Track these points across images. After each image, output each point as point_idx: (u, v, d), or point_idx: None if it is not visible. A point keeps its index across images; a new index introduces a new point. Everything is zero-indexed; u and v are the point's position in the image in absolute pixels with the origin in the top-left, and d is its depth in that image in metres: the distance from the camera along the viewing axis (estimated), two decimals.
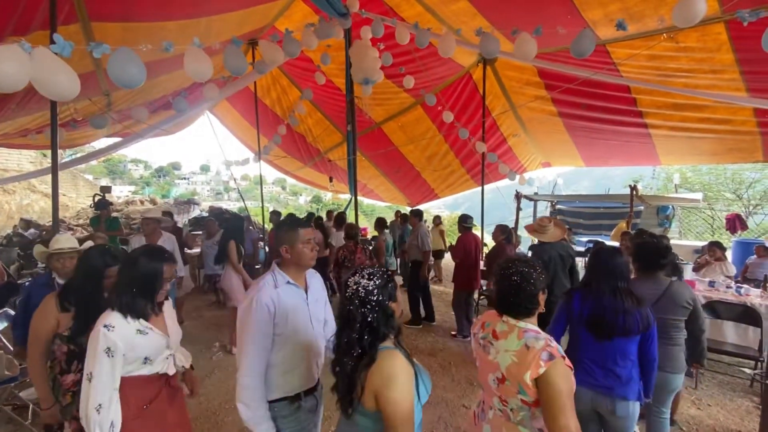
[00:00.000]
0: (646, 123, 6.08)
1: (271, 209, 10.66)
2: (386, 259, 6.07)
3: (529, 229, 4.38)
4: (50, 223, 8.73)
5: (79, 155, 8.76)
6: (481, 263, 5.65)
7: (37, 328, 1.91)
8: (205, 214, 11.74)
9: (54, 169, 3.84)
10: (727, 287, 4.48)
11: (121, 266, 1.75)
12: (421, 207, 12.02)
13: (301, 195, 53.98)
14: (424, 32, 4.38)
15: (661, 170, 15.65)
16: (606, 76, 5.18)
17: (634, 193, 6.62)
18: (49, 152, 12.08)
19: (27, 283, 2.51)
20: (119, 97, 6.08)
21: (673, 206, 9.13)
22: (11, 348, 3.31)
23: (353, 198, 7.15)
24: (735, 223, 8.65)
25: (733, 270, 5.13)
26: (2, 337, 3.35)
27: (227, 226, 4.97)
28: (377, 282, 1.35)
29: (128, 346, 1.57)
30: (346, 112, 6.89)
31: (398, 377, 1.25)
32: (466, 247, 5.14)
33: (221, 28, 4.98)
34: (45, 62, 2.14)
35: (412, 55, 5.88)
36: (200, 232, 8.19)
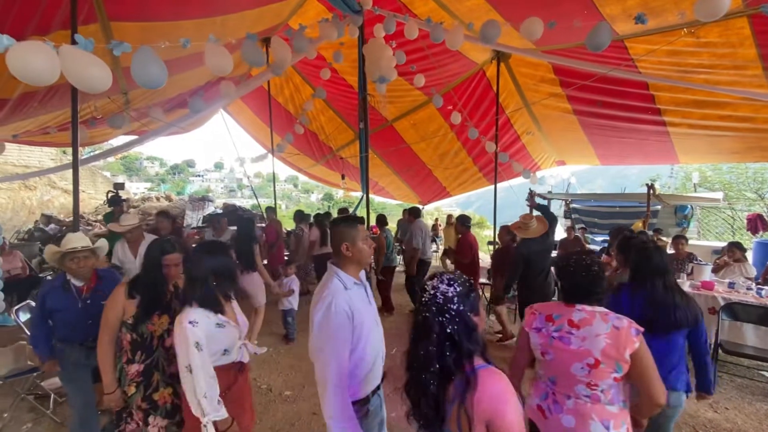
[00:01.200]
0: (665, 121, 5.94)
1: (278, 207, 10.69)
2: (388, 256, 6.06)
3: (513, 226, 4.62)
4: (70, 219, 8.97)
5: (97, 152, 8.96)
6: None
7: (107, 314, 1.96)
8: (220, 211, 11.90)
9: (75, 166, 3.94)
10: (748, 289, 4.36)
11: (191, 263, 1.78)
12: (432, 205, 12.02)
13: (312, 192, 54.28)
14: (438, 27, 4.35)
15: (679, 169, 15.27)
16: (623, 72, 5.08)
17: (652, 192, 6.47)
18: (68, 149, 12.41)
19: (43, 285, 2.44)
20: (137, 96, 6.20)
21: (691, 206, 8.91)
22: None
23: (365, 195, 7.17)
24: (756, 223, 8.40)
25: (753, 271, 4.99)
26: (26, 329, 3.47)
27: (241, 229, 4.87)
28: (458, 289, 1.20)
29: (210, 340, 1.66)
30: (358, 110, 6.90)
31: (510, 399, 1.11)
32: (471, 248, 5.23)
33: (236, 26, 5.03)
34: (74, 57, 2.19)
35: (426, 52, 5.86)
36: (205, 227, 8.22)
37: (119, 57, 4.58)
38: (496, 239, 5.73)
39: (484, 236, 12.77)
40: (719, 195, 9.02)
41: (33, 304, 3.83)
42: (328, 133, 9.49)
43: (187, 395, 1.61)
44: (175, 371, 1.94)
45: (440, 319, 1.17)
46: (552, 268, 4.30)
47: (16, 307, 3.62)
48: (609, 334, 1.53)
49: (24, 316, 3.57)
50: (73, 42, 2.24)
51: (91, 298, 2.34)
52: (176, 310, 1.96)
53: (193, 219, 11.96)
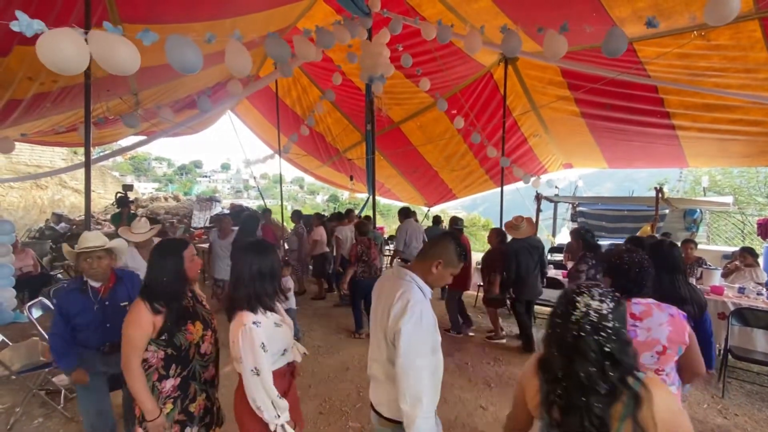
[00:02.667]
0: (674, 124, 5.89)
1: (284, 208, 10.71)
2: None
3: (507, 226, 5.05)
4: (81, 218, 9.08)
5: (106, 152, 9.08)
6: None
7: (134, 337, 1.75)
8: (226, 211, 11.98)
9: (87, 165, 4.01)
10: (758, 294, 4.31)
11: (243, 263, 1.70)
12: (438, 207, 12.01)
13: (318, 194, 54.47)
14: (446, 28, 4.37)
15: (688, 173, 15.14)
16: (633, 76, 5.06)
17: (660, 195, 6.42)
18: (79, 149, 12.59)
19: (57, 291, 2.32)
20: (146, 96, 6.29)
21: (701, 210, 8.81)
22: (46, 335, 3.47)
23: (371, 197, 7.18)
24: (767, 228, 8.29)
25: (764, 276, 4.93)
26: (38, 325, 3.52)
27: (243, 228, 4.73)
28: (610, 304, 1.13)
29: (270, 340, 1.61)
30: (365, 112, 6.93)
31: (678, 403, 1.16)
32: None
33: (246, 28, 5.07)
34: (103, 40, 2.22)
35: (433, 54, 5.87)
36: (212, 227, 8.12)
37: None
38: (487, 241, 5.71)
39: None
40: (729, 199, 8.91)
41: (45, 300, 3.89)
42: (335, 135, 9.53)
43: (254, 400, 1.55)
44: (209, 377, 1.94)
45: (596, 338, 1.10)
46: (539, 265, 4.77)
47: (29, 304, 3.68)
48: (669, 321, 1.67)
49: (36, 313, 3.63)
50: None
51: (110, 300, 2.26)
52: (203, 315, 1.93)
53: (200, 219, 12.06)
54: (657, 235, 6.10)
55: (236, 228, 5.73)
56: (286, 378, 1.75)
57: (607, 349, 1.09)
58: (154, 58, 4.76)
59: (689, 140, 6.23)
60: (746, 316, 3.87)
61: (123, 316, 2.23)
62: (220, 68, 6.50)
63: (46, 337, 3.49)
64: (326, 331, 5.16)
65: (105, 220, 11.20)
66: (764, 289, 4.46)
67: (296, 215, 7.28)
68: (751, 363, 3.85)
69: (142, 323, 1.75)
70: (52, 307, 3.91)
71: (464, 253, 1.67)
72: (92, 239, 2.22)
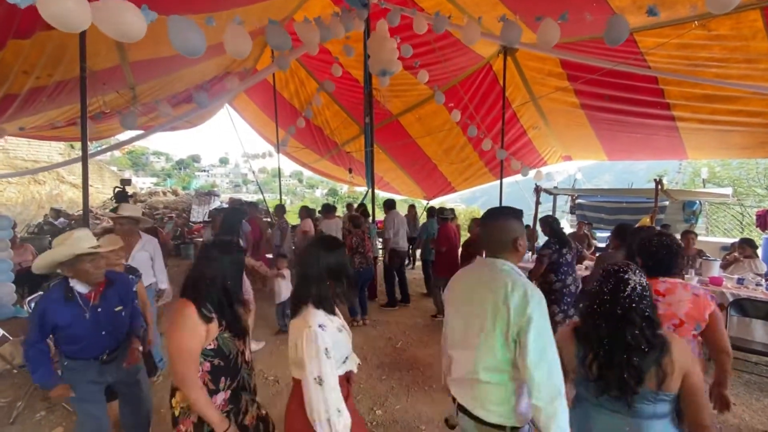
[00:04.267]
0: (674, 115, 5.87)
1: (284, 202, 10.65)
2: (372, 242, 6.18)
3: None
4: (79, 213, 9.06)
5: (104, 146, 9.04)
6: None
7: (190, 348, 1.54)
8: (225, 206, 11.97)
9: (84, 160, 3.99)
10: (757, 285, 4.33)
11: (308, 259, 1.54)
12: (437, 200, 11.99)
13: (317, 188, 54.40)
14: (443, 19, 4.33)
15: (687, 164, 15.13)
16: (633, 67, 5.02)
17: (659, 187, 6.41)
18: (76, 144, 12.53)
19: (39, 303, 1.98)
20: (143, 91, 6.24)
21: (700, 201, 8.82)
22: None
23: (370, 190, 7.16)
24: (766, 219, 8.30)
25: (763, 267, 4.94)
26: None
27: (224, 222, 4.36)
28: (643, 276, 1.43)
29: (334, 345, 1.45)
30: (363, 104, 6.89)
31: (691, 353, 1.42)
32: (448, 237, 5.41)
33: (242, 19, 5.04)
34: (107, 5, 2.15)
35: (431, 45, 5.83)
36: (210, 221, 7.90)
37: (126, 51, 4.63)
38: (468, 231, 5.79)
39: None
40: (728, 191, 8.91)
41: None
42: (333, 128, 9.50)
43: (314, 412, 1.38)
44: (254, 386, 1.81)
45: (641, 306, 1.37)
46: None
47: (29, 299, 3.69)
48: (690, 299, 1.82)
49: None
50: None
51: (102, 306, 2.04)
52: (244, 321, 1.76)
53: (199, 214, 12.05)
54: (657, 227, 6.10)
55: (207, 228, 5.54)
56: (344, 388, 1.54)
57: (647, 314, 1.37)
58: (152, 50, 4.72)
59: (689, 132, 6.21)
60: (745, 307, 3.89)
61: (119, 321, 2.12)
62: (216, 62, 6.45)
63: None
64: None
65: (103, 215, 11.18)
66: (763, 280, 4.48)
67: (279, 210, 7.23)
68: (750, 353, 3.88)
69: (196, 330, 1.54)
70: None
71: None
72: (86, 240, 1.98)
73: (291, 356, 1.49)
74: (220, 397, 1.64)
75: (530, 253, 5.81)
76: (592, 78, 5.60)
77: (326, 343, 1.40)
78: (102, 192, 13.97)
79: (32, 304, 3.60)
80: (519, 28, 3.89)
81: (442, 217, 5.78)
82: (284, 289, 4.71)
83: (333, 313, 1.54)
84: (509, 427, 1.41)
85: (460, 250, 5.60)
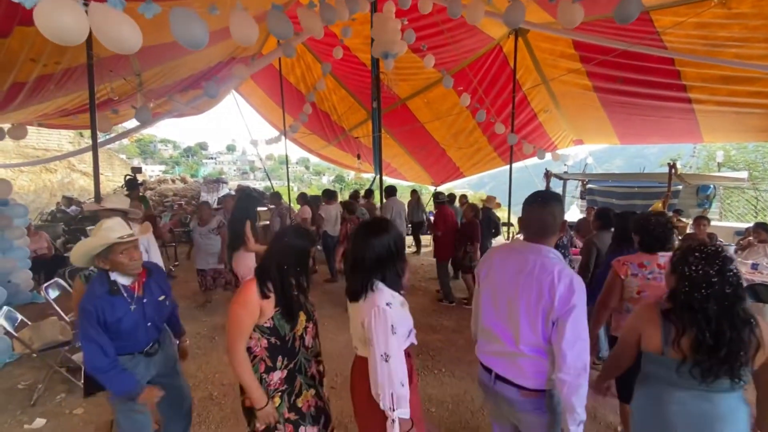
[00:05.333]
0: (690, 97, 5.70)
1: (290, 189, 10.62)
2: None
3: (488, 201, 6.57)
4: (90, 200, 9.19)
5: (112, 135, 9.07)
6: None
7: (242, 320, 1.61)
8: (233, 193, 12.03)
9: (94, 148, 4.02)
10: None
11: (374, 240, 1.56)
12: (445, 186, 11.91)
13: (324, 174, 54.37)
14: (456, 2, 4.20)
15: (702, 148, 14.78)
16: (648, 48, 4.86)
17: (673, 171, 6.28)
18: (85, 132, 12.62)
19: (85, 302, 1.80)
20: (149, 77, 6.22)
21: (714, 186, 8.64)
22: (64, 315, 3.57)
23: (378, 176, 7.13)
24: None
25: None
26: (55, 305, 3.62)
27: (238, 205, 4.49)
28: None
29: (399, 322, 1.50)
30: (371, 88, 6.79)
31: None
32: (445, 221, 5.48)
33: (247, 3, 4.95)
34: (105, 15, 2.16)
35: (440, 27, 5.69)
36: (219, 208, 7.89)
37: None
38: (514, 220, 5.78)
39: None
40: (744, 174, 8.71)
41: (61, 281, 3.97)
42: (340, 113, 9.41)
43: (378, 387, 1.45)
44: (315, 373, 1.83)
45: (741, 281, 1.44)
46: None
47: (45, 285, 3.77)
48: None
49: (53, 293, 3.72)
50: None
51: (147, 297, 1.96)
52: (306, 306, 1.81)
53: (208, 200, 12.13)
54: (669, 212, 6.01)
55: (218, 213, 5.44)
56: (408, 361, 1.61)
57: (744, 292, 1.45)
58: (156, 36, 4.67)
59: (705, 114, 6.04)
60: (759, 292, 3.85)
61: (164, 311, 2.08)
62: (221, 47, 6.38)
63: (64, 316, 3.59)
64: (333, 307, 5.21)
65: (88, 208, 11.30)
66: None
67: (276, 197, 7.29)
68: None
69: (249, 305, 1.62)
70: (68, 287, 4.01)
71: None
72: (119, 229, 1.85)
73: (357, 335, 1.57)
74: (277, 375, 1.69)
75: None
76: (605, 59, 5.45)
77: (393, 320, 1.46)
78: (112, 180, 14.10)
79: (49, 290, 3.69)
80: (523, 7, 3.76)
81: (438, 201, 5.89)
82: None
83: (397, 290, 1.59)
84: (548, 390, 1.54)
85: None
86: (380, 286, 1.54)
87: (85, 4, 2.10)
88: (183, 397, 2.18)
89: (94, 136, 4.07)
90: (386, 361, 1.44)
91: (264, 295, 1.63)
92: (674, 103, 5.93)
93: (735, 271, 1.44)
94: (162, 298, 2.05)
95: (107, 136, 8.73)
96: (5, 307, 3.34)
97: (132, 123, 8.57)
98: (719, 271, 1.42)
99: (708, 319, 1.41)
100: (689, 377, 1.44)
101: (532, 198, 1.65)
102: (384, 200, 6.57)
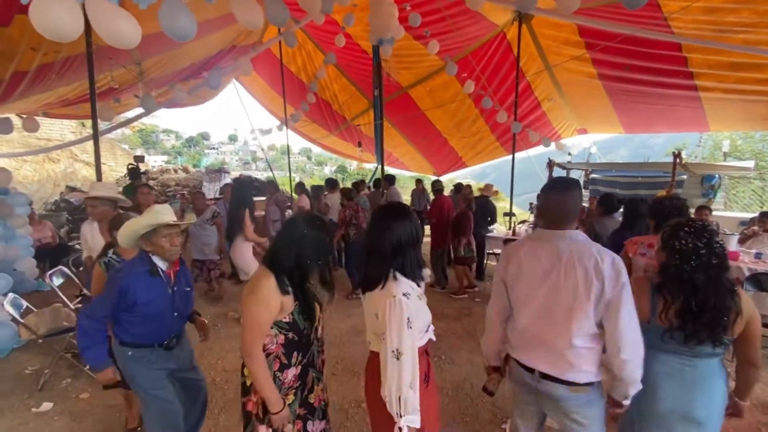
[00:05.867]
0: (697, 85, 5.61)
1: (292, 179, 10.64)
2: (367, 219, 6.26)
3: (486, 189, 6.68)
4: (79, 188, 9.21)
5: (113, 124, 9.06)
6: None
7: (261, 319, 1.51)
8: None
9: (95, 137, 4.02)
10: None
11: (392, 226, 1.47)
12: (447, 176, 11.86)
13: (326, 165, 54.21)
14: None
15: (708, 137, 14.58)
16: (655, 33, 4.77)
17: (678, 161, 6.21)
18: (87, 122, 12.59)
19: (122, 270, 1.88)
20: (150, 66, 6.18)
21: (719, 175, 8.55)
22: (68, 302, 3.61)
23: (379, 166, 7.10)
24: None
25: None
26: (59, 292, 3.66)
27: (235, 194, 4.49)
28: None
29: (416, 315, 1.40)
30: (372, 77, 6.72)
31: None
32: (441, 209, 5.58)
33: None
34: (102, 10, 2.15)
35: (443, 13, 5.60)
36: (220, 198, 7.84)
37: None
38: (516, 209, 5.77)
39: (500, 208, 12.63)
40: (750, 164, 8.59)
41: (65, 269, 4.01)
42: (341, 102, 9.34)
43: (386, 388, 1.33)
44: (321, 365, 1.77)
45: (725, 251, 1.53)
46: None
47: (50, 272, 3.81)
48: None
49: (57, 281, 3.77)
50: None
51: (177, 286, 1.98)
52: (317, 295, 1.73)
53: (210, 191, 12.15)
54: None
55: (218, 203, 5.47)
56: (424, 360, 1.51)
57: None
58: (153, 25, 4.64)
59: (712, 102, 5.94)
60: (761, 282, 3.82)
61: (189, 303, 2.10)
62: (221, 35, 6.31)
63: (68, 303, 3.63)
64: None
65: (72, 196, 11.32)
66: None
67: (272, 185, 7.32)
68: (765, 328, 3.83)
69: (270, 303, 1.51)
70: (71, 275, 4.05)
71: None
72: (167, 213, 1.88)
73: (371, 328, 1.48)
74: (291, 372, 1.61)
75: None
76: (610, 46, 5.35)
77: (410, 312, 1.36)
78: (115, 170, 14.13)
79: (53, 278, 3.72)
80: None
81: (435, 189, 6.00)
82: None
83: (415, 280, 1.50)
84: (596, 382, 1.53)
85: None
86: (398, 275, 1.44)
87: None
88: (199, 390, 2.22)
89: (94, 126, 4.06)
90: (397, 358, 1.33)
91: (284, 291, 1.53)
92: (681, 90, 5.83)
93: (721, 243, 1.53)
94: (188, 289, 2.08)
95: (108, 125, 8.72)
96: (11, 294, 3.38)
97: (133, 112, 8.57)
98: (707, 243, 1.52)
99: (696, 288, 1.50)
100: (672, 342, 1.54)
101: (552, 184, 1.62)
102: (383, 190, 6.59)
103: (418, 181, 9.11)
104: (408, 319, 1.35)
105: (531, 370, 1.59)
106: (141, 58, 5.76)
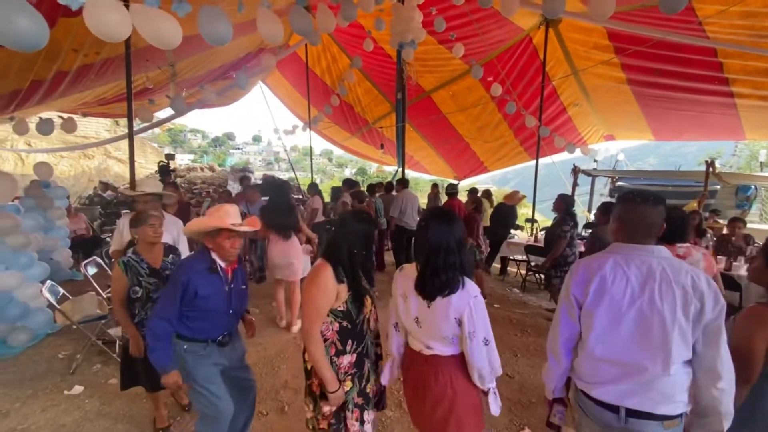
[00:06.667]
0: (732, 91, 5.41)
1: (314, 180, 10.72)
2: (378, 220, 6.28)
3: (508, 197, 6.66)
4: (126, 186, 9.61)
5: (146, 124, 9.45)
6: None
7: (319, 304, 1.63)
8: (260, 182, 12.28)
9: (130, 136, 4.20)
10: None
11: (451, 230, 1.54)
12: (467, 181, 11.77)
13: (346, 167, 54.69)
14: None
15: (744, 147, 13.97)
16: (690, 38, 4.63)
17: (711, 170, 5.98)
18: (121, 120, 13.15)
19: (180, 271, 1.91)
20: (183, 67, 6.42)
21: (755, 186, 8.19)
22: (101, 291, 3.78)
23: (400, 168, 7.13)
24: None
25: None
26: (93, 281, 3.84)
27: (271, 193, 4.48)
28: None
29: None
30: (396, 80, 6.77)
31: None
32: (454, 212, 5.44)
33: (271, 2, 5.02)
34: (145, 13, 2.31)
35: (469, 17, 5.60)
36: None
37: None
38: (538, 216, 5.68)
39: (521, 214, 12.43)
40: None
41: (98, 260, 4.20)
42: (364, 105, 9.43)
43: (479, 369, 1.54)
44: (376, 358, 1.86)
45: None
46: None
47: (85, 262, 4.00)
48: (703, 257, 2.36)
49: (92, 270, 3.95)
50: None
51: (234, 284, 2.02)
52: (368, 290, 1.82)
53: (234, 189, 12.46)
54: (705, 214, 5.75)
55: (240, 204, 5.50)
56: None
57: None
58: (188, 28, 4.82)
59: (749, 110, 5.71)
60: None
61: (244, 302, 2.14)
62: (250, 38, 6.50)
63: (101, 292, 3.80)
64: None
65: (123, 192, 11.78)
66: None
67: (313, 188, 7.47)
68: None
69: (328, 289, 1.64)
70: (104, 266, 4.23)
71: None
72: (233, 216, 1.92)
73: (440, 333, 1.55)
74: (346, 359, 1.70)
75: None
76: (641, 50, 5.22)
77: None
78: (145, 167, 14.67)
79: (88, 268, 3.91)
80: None
81: (448, 192, 6.08)
82: (304, 265, 4.47)
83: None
84: (685, 412, 1.39)
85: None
86: (467, 279, 1.55)
87: (126, 5, 2.23)
88: (249, 389, 2.24)
89: (130, 124, 4.25)
90: (486, 344, 1.50)
91: (339, 280, 1.65)
92: (715, 97, 5.63)
93: None
94: (244, 287, 2.12)
95: (141, 125, 9.09)
96: (48, 282, 3.56)
97: (164, 113, 8.91)
98: None
99: None
100: None
101: (638, 197, 1.46)
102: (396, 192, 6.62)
103: (434, 186, 9.11)
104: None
105: (614, 409, 1.40)
106: (175, 59, 6.00)
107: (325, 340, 1.67)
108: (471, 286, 1.52)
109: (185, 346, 1.93)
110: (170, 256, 2.43)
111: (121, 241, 2.95)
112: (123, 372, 2.48)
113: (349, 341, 1.70)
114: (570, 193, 6.95)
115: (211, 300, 1.90)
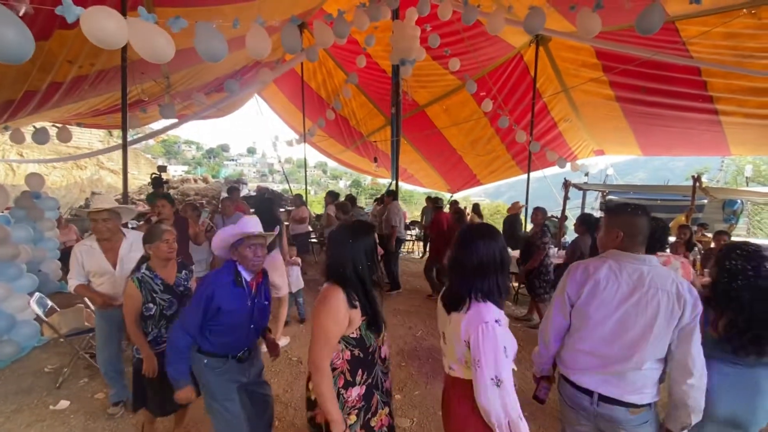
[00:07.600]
0: (717, 109, 5.57)
1: (308, 192, 10.77)
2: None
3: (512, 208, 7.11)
4: (118, 197, 9.56)
5: (140, 135, 9.46)
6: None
7: (330, 333, 1.47)
8: (253, 194, 12.27)
9: (124, 147, 4.21)
10: None
11: (479, 248, 1.41)
12: (461, 194, 11.87)
13: (341, 179, 54.82)
14: (472, 9, 4.25)
15: (731, 162, 14.30)
16: (674, 57, 4.79)
17: (698, 184, 6.10)
18: (114, 131, 13.14)
19: (206, 283, 1.87)
20: (177, 80, 6.47)
21: (742, 201, 8.36)
22: (90, 304, 3.72)
23: (394, 182, 7.18)
24: None
25: None
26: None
27: (263, 212, 4.08)
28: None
29: (509, 343, 1.35)
30: (391, 95, 6.88)
31: None
32: (440, 225, 5.65)
33: (273, 9, 5.12)
34: (141, 27, 2.35)
35: (461, 35, 5.74)
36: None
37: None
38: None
39: None
40: None
41: None
42: (359, 119, 9.54)
43: (493, 415, 1.30)
44: (389, 387, 1.71)
45: None
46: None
47: None
48: (681, 265, 2.65)
49: None
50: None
51: (257, 298, 1.97)
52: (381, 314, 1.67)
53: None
54: (694, 227, 5.84)
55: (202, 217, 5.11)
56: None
57: None
58: (184, 41, 4.89)
59: (733, 126, 5.88)
60: None
61: (266, 318, 2.09)
62: (244, 53, 6.59)
63: (90, 305, 3.74)
64: None
65: (140, 200, 11.71)
66: None
67: (298, 199, 7.56)
68: None
69: (339, 316, 1.47)
70: None
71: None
72: (255, 224, 1.90)
73: (455, 353, 1.42)
74: (355, 391, 1.54)
75: (556, 249, 5.70)
76: (628, 69, 5.38)
77: (504, 341, 1.31)
78: (138, 178, 14.60)
79: None
80: (543, 15, 3.78)
81: (435, 206, 6.25)
82: (295, 278, 4.53)
83: (501, 306, 1.42)
84: (654, 402, 1.55)
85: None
86: (482, 302, 1.38)
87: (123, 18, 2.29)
88: (267, 405, 2.20)
89: (124, 136, 4.26)
90: (497, 385, 1.29)
91: (351, 305, 1.49)
92: (700, 114, 5.80)
93: None
94: (267, 303, 2.07)
95: (135, 136, 9.09)
96: (37, 294, 3.51)
97: (159, 124, 8.93)
98: (755, 266, 1.66)
99: (741, 305, 1.63)
100: (723, 351, 1.66)
101: (633, 208, 1.61)
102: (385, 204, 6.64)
103: (428, 199, 9.18)
104: (505, 347, 1.31)
105: (589, 393, 1.58)
106: (170, 71, 6.05)
107: (335, 370, 1.51)
108: (485, 311, 1.35)
109: (205, 361, 1.89)
110: (183, 272, 2.37)
111: (84, 273, 2.58)
112: (135, 392, 2.38)
113: (360, 371, 1.55)
114: (561, 207, 7.04)
115: (234, 314, 1.86)
